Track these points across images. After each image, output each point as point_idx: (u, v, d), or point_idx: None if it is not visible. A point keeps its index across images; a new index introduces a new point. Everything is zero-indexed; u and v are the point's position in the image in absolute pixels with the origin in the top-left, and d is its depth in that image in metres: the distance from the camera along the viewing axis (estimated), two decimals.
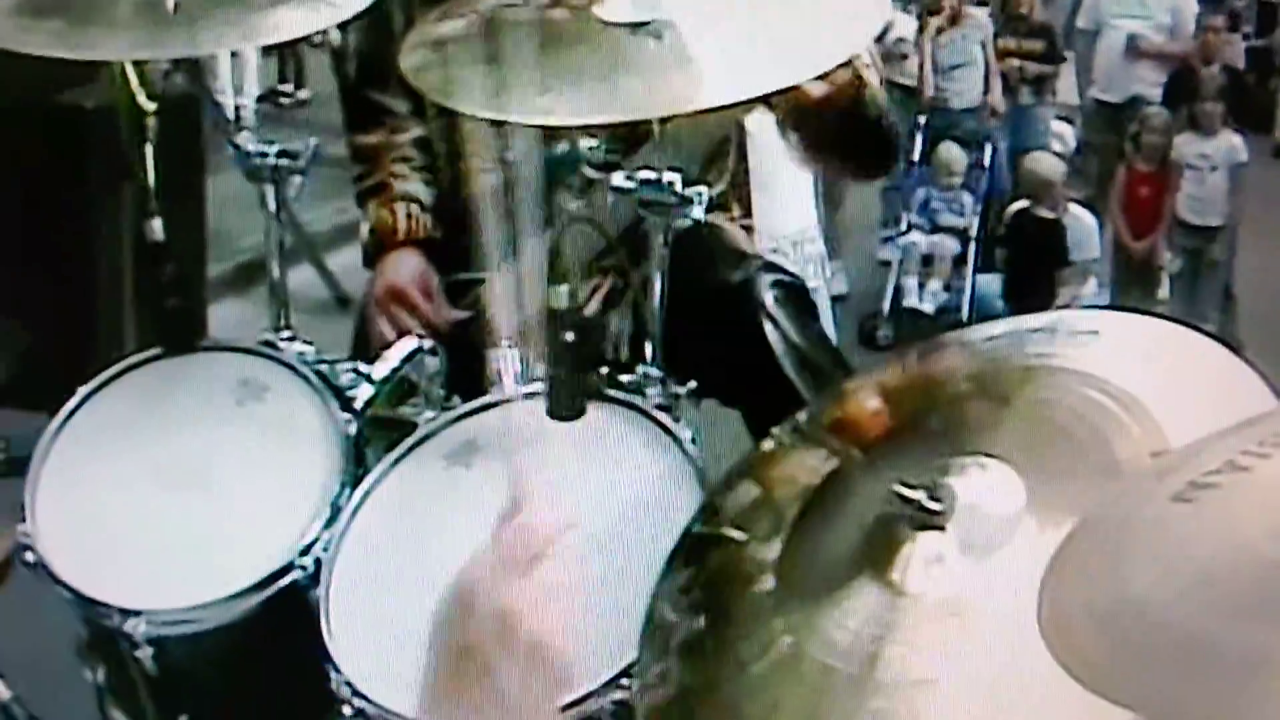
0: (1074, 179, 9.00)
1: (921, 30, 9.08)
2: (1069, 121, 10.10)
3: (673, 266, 2.34)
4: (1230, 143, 8.61)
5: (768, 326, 2.65)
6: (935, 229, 8.65)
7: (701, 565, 1.98)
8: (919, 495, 1.71)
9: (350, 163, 2.95)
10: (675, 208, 2.33)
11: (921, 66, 8.94)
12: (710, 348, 2.51)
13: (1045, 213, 8.03)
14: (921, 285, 8.60)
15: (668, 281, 2.35)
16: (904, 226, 8.75)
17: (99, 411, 2.48)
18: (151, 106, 2.69)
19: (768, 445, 2.07)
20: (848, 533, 1.87)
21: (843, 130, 2.59)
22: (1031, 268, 7.82)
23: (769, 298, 2.69)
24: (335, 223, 7.08)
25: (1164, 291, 8.23)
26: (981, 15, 9.44)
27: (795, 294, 2.77)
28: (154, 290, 2.51)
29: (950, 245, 8.60)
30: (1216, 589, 1.22)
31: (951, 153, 8.64)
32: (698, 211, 2.41)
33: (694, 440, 2.24)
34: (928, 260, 8.65)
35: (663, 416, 2.26)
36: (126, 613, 2.26)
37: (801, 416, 2.11)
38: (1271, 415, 1.54)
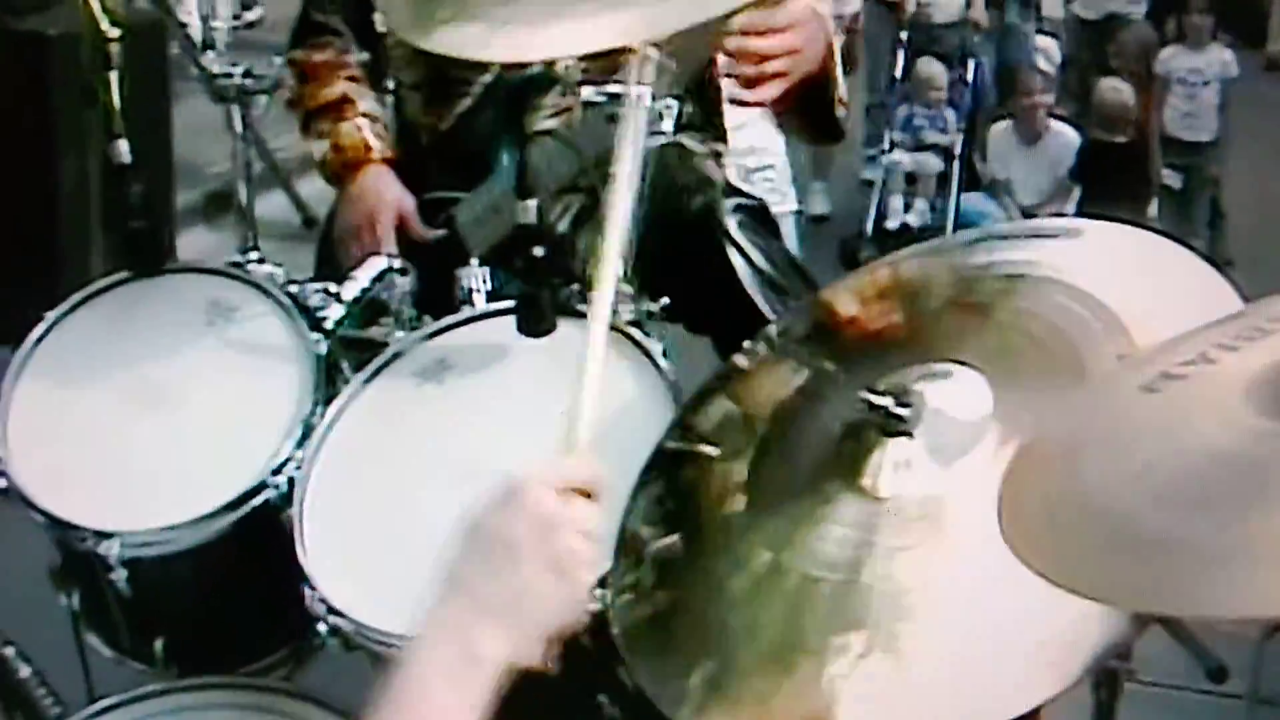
0: (1061, 95, 8.95)
1: None
2: (1054, 36, 10.01)
3: (643, 190, 2.32)
4: (1221, 57, 8.55)
5: (731, 252, 2.64)
6: (918, 146, 8.58)
7: (674, 480, 1.99)
8: (886, 401, 1.72)
9: (294, 80, 2.87)
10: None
11: None
12: (676, 272, 2.50)
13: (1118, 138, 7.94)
14: (906, 204, 8.56)
15: (639, 205, 2.33)
16: (886, 144, 8.68)
17: (68, 335, 2.46)
18: (115, 33, 2.66)
19: (740, 360, 2.07)
20: (819, 443, 1.87)
21: (807, 107, 2.58)
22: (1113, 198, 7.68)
23: (732, 222, 2.67)
24: (306, 150, 7.01)
25: (1153, 209, 8.17)
26: None
27: (758, 217, 2.76)
28: (120, 213, 2.48)
29: (934, 163, 8.52)
30: (1159, 477, 1.23)
31: (932, 68, 8.55)
32: (667, 124, 2.40)
33: (665, 355, 2.23)
34: (911, 179, 8.57)
35: (634, 332, 2.25)
36: (100, 535, 2.25)
37: (773, 331, 2.11)
38: (1247, 312, 1.53)
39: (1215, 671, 2.05)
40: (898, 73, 8.81)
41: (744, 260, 2.63)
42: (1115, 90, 8.14)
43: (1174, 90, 8.34)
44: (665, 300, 2.40)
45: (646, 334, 2.26)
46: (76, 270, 4.80)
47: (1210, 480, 1.23)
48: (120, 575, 2.27)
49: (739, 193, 2.80)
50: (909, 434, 1.72)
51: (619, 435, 2.06)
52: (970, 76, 8.74)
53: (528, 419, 2.16)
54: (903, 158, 8.61)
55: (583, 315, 2.25)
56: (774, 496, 1.88)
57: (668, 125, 2.40)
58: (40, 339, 2.45)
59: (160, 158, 5.34)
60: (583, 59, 2.63)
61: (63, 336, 2.46)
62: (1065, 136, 8.22)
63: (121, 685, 2.35)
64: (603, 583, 1.90)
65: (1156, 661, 1.94)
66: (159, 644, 2.36)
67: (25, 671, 2.25)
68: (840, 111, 2.63)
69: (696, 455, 1.96)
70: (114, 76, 2.58)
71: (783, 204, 3.91)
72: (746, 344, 2.07)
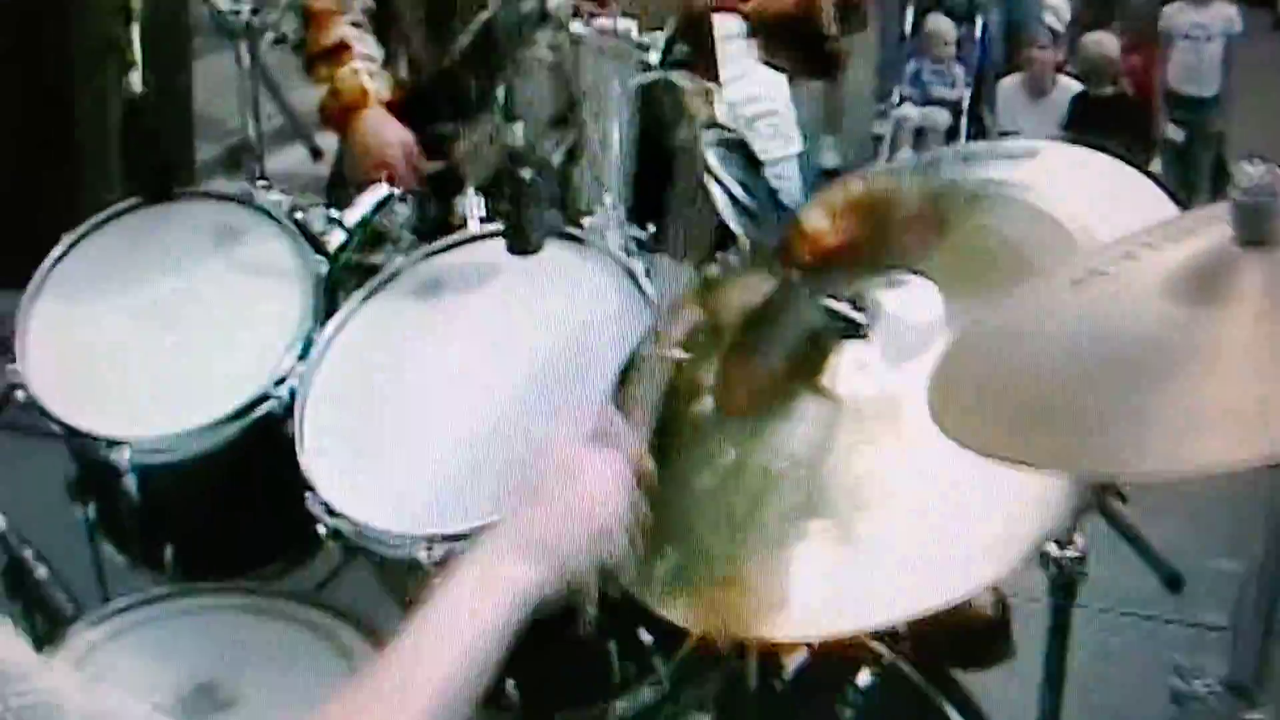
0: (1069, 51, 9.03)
1: None
2: None
3: (630, 123, 2.44)
4: (1225, 13, 8.61)
5: (711, 184, 2.75)
6: (927, 101, 8.68)
7: (648, 385, 2.10)
8: (844, 307, 1.83)
9: (299, 25, 2.99)
10: (632, 56, 2.43)
11: None
12: (661, 202, 2.61)
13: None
14: None
15: (626, 137, 2.45)
16: (896, 99, 8.78)
17: (84, 256, 2.60)
18: None
19: (712, 271, 2.19)
20: (783, 347, 1.99)
21: (796, 42, 2.70)
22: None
23: (712, 156, 2.78)
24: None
25: (1157, 165, 8.25)
26: None
27: (738, 150, 2.87)
28: (135, 142, 2.61)
29: (942, 117, 8.62)
30: (1079, 358, 1.35)
31: (940, 24, 8.64)
32: (653, 57, 2.51)
33: (647, 274, 2.34)
34: (920, 133, 8.68)
35: (618, 252, 2.37)
36: (113, 443, 2.38)
37: (745, 244, 2.22)
38: (1172, 219, 1.65)
39: (1171, 580, 2.18)
40: (907, 29, 8.89)
41: (723, 191, 2.75)
42: (1097, 43, 8.21)
43: (1178, 45, 8.40)
44: (651, 227, 2.51)
45: (629, 254, 2.37)
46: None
47: (1123, 359, 1.36)
48: (131, 481, 2.39)
49: (720, 127, 2.91)
50: (864, 337, 1.84)
51: (599, 341, 2.20)
52: (978, 32, 8.82)
53: (515, 331, 2.31)
54: (911, 112, 8.69)
55: (571, 238, 2.39)
56: (740, 397, 2.00)
57: (653, 58, 2.51)
58: (57, 261, 2.58)
59: (180, 105, 5.45)
60: None
61: (78, 258, 2.59)
62: (1073, 92, 8.31)
63: (134, 591, 2.47)
64: None
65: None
66: (168, 551, 2.50)
67: (43, 572, 2.35)
68: (831, 46, 2.74)
69: (670, 360, 2.07)
70: (134, 29, 2.70)
71: (786, 148, 4.00)
72: (718, 255, 2.19)
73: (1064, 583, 2.01)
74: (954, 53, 8.69)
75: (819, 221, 2.14)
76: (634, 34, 2.43)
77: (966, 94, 8.67)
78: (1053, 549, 1.99)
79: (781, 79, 3.91)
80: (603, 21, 2.45)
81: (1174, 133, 8.31)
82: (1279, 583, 1.58)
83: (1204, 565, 3.55)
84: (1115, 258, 1.51)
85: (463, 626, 1.48)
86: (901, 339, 1.83)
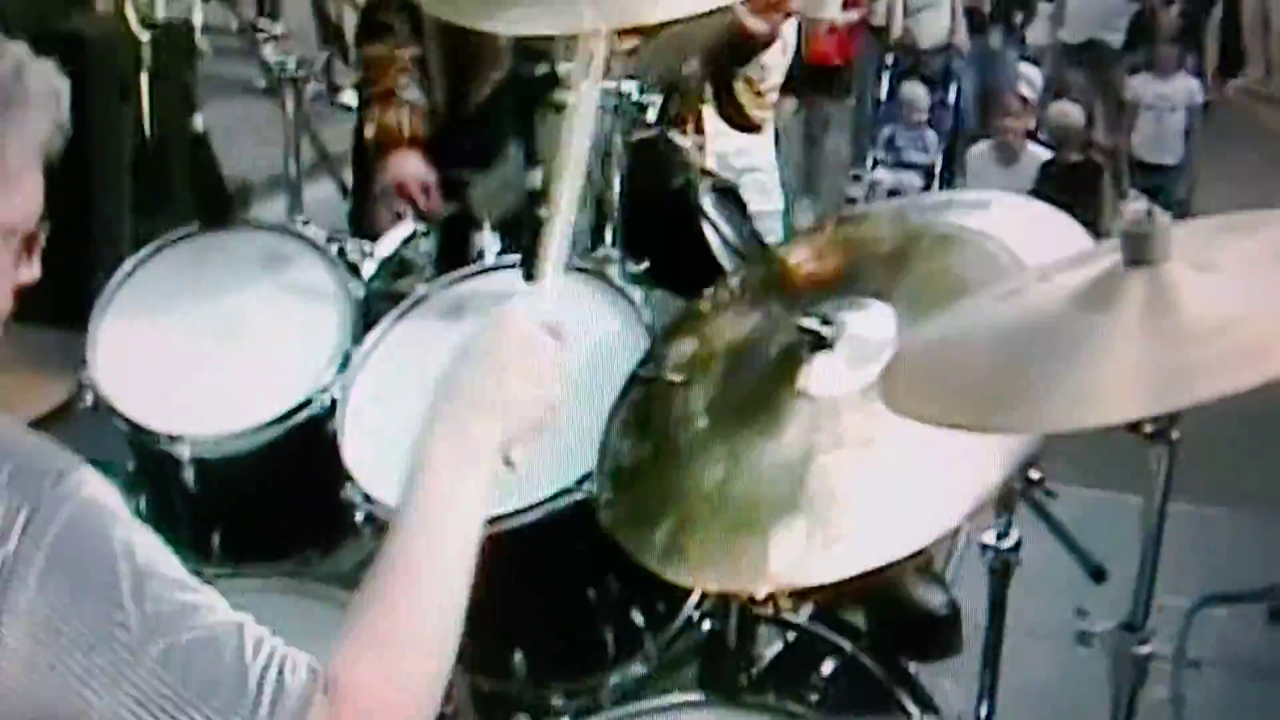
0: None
1: None
2: (1035, 63, 10.47)
3: (631, 171, 2.78)
4: (1187, 85, 9.03)
5: (705, 227, 3.08)
6: (900, 165, 9.08)
7: (645, 400, 2.44)
8: (813, 323, 2.18)
9: (359, 71, 3.38)
10: (632, 114, 2.78)
11: (890, 8, 9.35)
12: (659, 244, 2.94)
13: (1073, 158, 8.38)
14: None
15: (627, 183, 2.79)
16: (870, 163, 9.16)
17: (147, 276, 2.94)
18: (146, 36, 3.14)
19: (703, 302, 2.54)
20: (765, 364, 2.34)
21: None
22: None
23: (706, 201, 3.12)
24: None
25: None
26: None
27: (730, 198, 3.21)
28: (195, 176, 2.95)
29: (914, 181, 9.02)
30: (997, 348, 1.72)
31: (915, 91, 9.05)
32: (651, 115, 2.85)
33: (645, 302, 2.68)
34: (893, 194, 9.06)
35: (620, 282, 2.70)
36: (173, 438, 2.72)
37: (734, 279, 2.57)
38: (1088, 251, 2.01)
39: (1095, 572, 2.52)
40: (882, 95, 9.29)
41: (715, 233, 3.08)
42: (1063, 113, 8.61)
43: (1142, 115, 8.81)
44: (647, 263, 2.85)
45: (628, 285, 2.71)
46: (110, 253, 5.24)
47: (1034, 348, 1.72)
48: (189, 473, 2.72)
49: (713, 176, 3.26)
50: (830, 347, 2.19)
51: (602, 363, 2.53)
52: (952, 99, 9.22)
53: None
54: (885, 176, 9.08)
55: (578, 269, 2.72)
56: (731, 410, 2.34)
57: (651, 117, 2.85)
58: (124, 278, 2.92)
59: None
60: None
61: (143, 277, 2.94)
62: (1041, 158, 8.69)
63: None
64: (584, 481, 2.36)
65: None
66: (216, 537, 2.80)
67: None
68: (746, 100, 3.13)
69: (664, 380, 2.41)
70: (144, 77, 3.05)
71: (767, 204, 4.32)
72: (709, 288, 2.53)
73: (999, 567, 2.36)
74: (926, 118, 9.09)
75: (800, 257, 2.50)
76: (634, 95, 2.77)
77: (939, 159, 9.06)
78: (990, 538, 2.35)
79: (766, 139, 4.27)
80: (607, 84, 2.79)
81: (1137, 199, 8.72)
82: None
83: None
84: (1032, 280, 1.88)
85: (448, 505, 1.58)
86: (861, 350, 2.18)
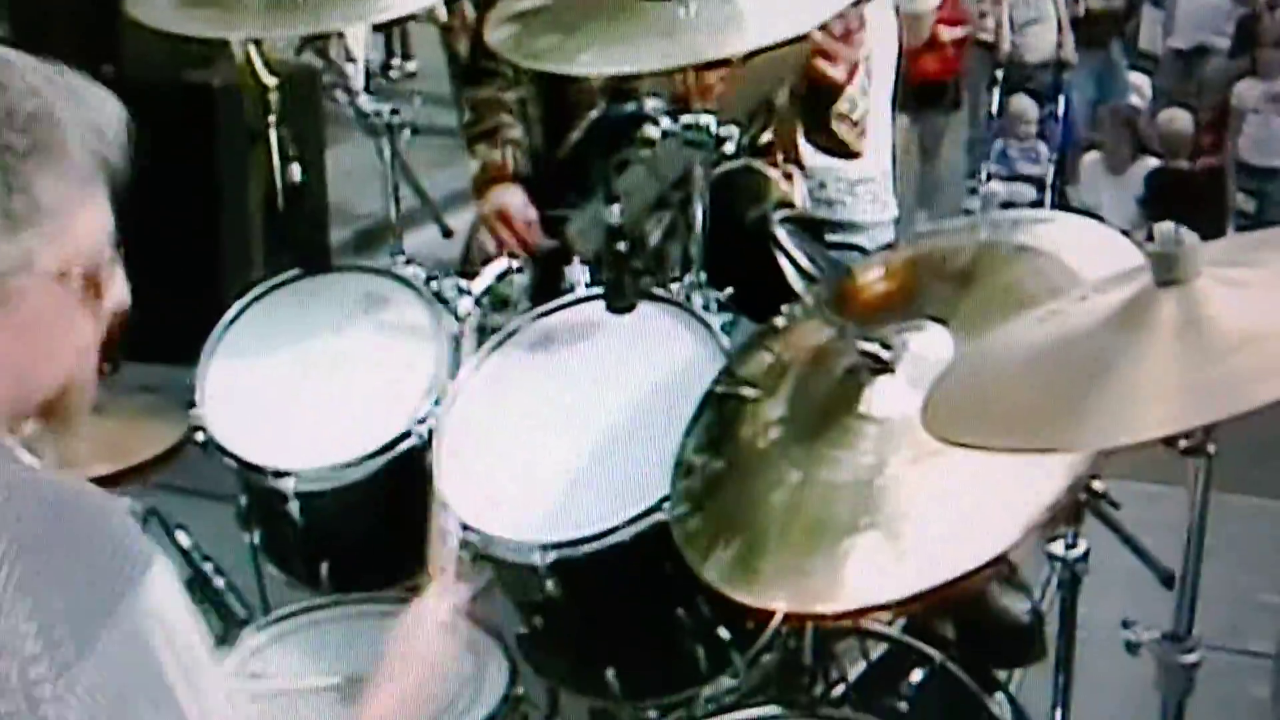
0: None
1: None
2: (1147, 73, 10.44)
3: (712, 203, 2.89)
4: None
5: (780, 257, 3.17)
6: (1013, 177, 9.12)
7: (720, 417, 2.54)
8: (874, 348, 2.26)
9: (466, 112, 3.52)
10: (711, 146, 2.88)
11: (998, 24, 9.38)
12: (740, 273, 3.04)
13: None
14: None
15: (709, 216, 2.90)
16: (984, 176, 9.21)
17: (252, 319, 3.09)
18: (274, 82, 3.29)
19: (779, 320, 2.63)
20: (831, 384, 2.42)
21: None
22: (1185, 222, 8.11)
23: (781, 232, 3.20)
24: (451, 189, 7.58)
25: (1230, 231, 8.58)
26: None
27: (806, 227, 3.30)
28: (294, 223, 3.09)
29: (1027, 192, 9.06)
30: (1035, 370, 1.80)
31: (1023, 104, 9.10)
32: (730, 147, 2.94)
33: (724, 329, 2.78)
34: (1007, 207, 9.09)
35: (699, 309, 2.80)
36: (280, 474, 2.85)
37: (808, 298, 2.65)
38: (1125, 270, 2.07)
39: (1167, 579, 2.58)
40: (994, 109, 9.33)
41: (790, 263, 3.17)
42: (1171, 120, 8.59)
43: (1248, 119, 8.75)
44: (729, 290, 2.94)
45: (709, 312, 2.81)
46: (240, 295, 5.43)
47: (1072, 369, 1.80)
48: (294, 506, 2.85)
49: (789, 205, 3.35)
50: (891, 371, 2.27)
51: (684, 390, 2.63)
52: (1060, 111, 9.24)
53: (615, 377, 2.76)
54: (998, 188, 9.12)
55: (661, 299, 2.83)
56: (801, 428, 2.43)
57: (730, 148, 2.95)
58: (231, 321, 3.07)
59: (316, 193, 5.96)
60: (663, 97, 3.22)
61: (248, 320, 3.09)
62: (1151, 166, 8.68)
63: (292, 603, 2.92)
64: (662, 503, 2.46)
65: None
66: (324, 567, 2.94)
67: (220, 582, 2.81)
68: (844, 133, 3.22)
69: (739, 396, 2.51)
70: (273, 120, 3.19)
71: (883, 213, 4.42)
72: (784, 307, 2.62)
73: (1068, 578, 2.42)
74: (1036, 131, 9.12)
75: (872, 276, 2.59)
76: (713, 128, 2.87)
77: (1050, 169, 9.09)
78: (1059, 549, 2.41)
79: (882, 150, 4.38)
80: (687, 118, 2.90)
81: (1245, 202, 8.66)
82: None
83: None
84: (1074, 300, 1.95)
85: None
86: (921, 372, 2.26)
